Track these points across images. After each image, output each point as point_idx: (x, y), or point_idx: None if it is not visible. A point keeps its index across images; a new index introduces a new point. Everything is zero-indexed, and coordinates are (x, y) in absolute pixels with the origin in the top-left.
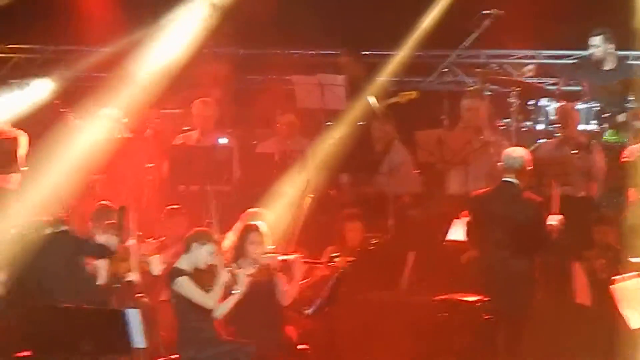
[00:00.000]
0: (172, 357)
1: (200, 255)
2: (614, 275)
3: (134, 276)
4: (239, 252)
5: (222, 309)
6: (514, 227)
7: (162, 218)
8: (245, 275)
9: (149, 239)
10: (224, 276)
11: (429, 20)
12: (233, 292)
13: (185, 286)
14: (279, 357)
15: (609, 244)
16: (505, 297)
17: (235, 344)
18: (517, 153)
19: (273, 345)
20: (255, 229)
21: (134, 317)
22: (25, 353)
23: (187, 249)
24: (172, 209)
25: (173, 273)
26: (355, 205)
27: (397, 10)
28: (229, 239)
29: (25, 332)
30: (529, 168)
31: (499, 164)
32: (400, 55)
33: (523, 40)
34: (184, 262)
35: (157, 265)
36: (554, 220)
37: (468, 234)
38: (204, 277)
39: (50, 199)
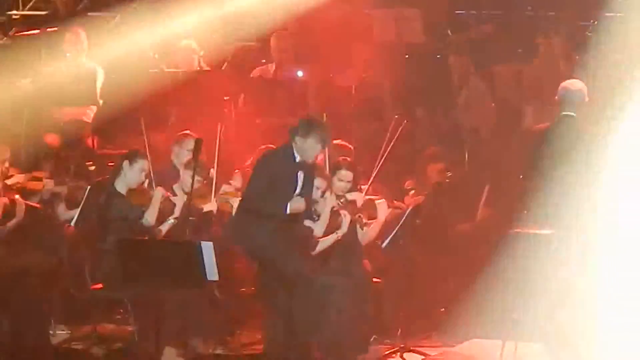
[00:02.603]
0: (244, 290)
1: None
2: None
3: (212, 206)
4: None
5: (320, 247)
6: (576, 162)
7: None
8: (348, 218)
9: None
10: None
11: None
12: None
13: None
14: (356, 291)
15: None
16: (571, 230)
17: (317, 278)
18: (576, 86)
19: (352, 281)
20: (347, 165)
21: (207, 250)
22: (98, 286)
23: None
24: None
25: None
26: (431, 138)
27: None
28: None
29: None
30: (587, 100)
31: (555, 98)
32: None
33: None
34: None
35: None
36: None
37: (530, 168)
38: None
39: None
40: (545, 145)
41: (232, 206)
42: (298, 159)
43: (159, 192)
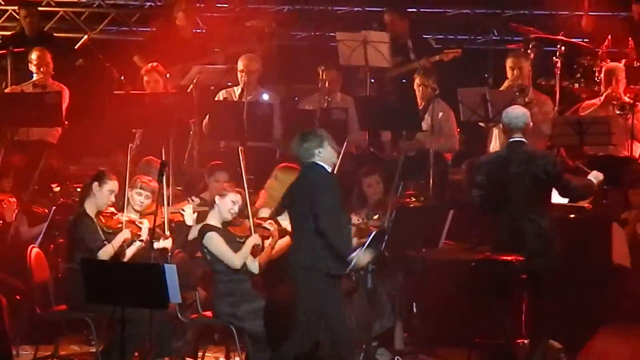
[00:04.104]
0: (208, 312)
1: (225, 206)
2: None
3: (167, 243)
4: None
5: (255, 266)
6: (536, 185)
7: (203, 174)
8: None
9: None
10: (254, 237)
11: None
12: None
13: (214, 243)
14: None
15: None
16: (536, 256)
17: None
18: (519, 111)
19: None
20: None
21: (170, 273)
22: (61, 306)
23: (212, 205)
24: (214, 164)
25: (203, 229)
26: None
27: None
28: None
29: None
30: (532, 124)
31: (501, 126)
32: (445, 12)
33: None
34: (213, 218)
35: (190, 216)
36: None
37: (487, 197)
38: (235, 230)
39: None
40: (501, 173)
41: (182, 213)
42: (329, 169)
43: (125, 234)
